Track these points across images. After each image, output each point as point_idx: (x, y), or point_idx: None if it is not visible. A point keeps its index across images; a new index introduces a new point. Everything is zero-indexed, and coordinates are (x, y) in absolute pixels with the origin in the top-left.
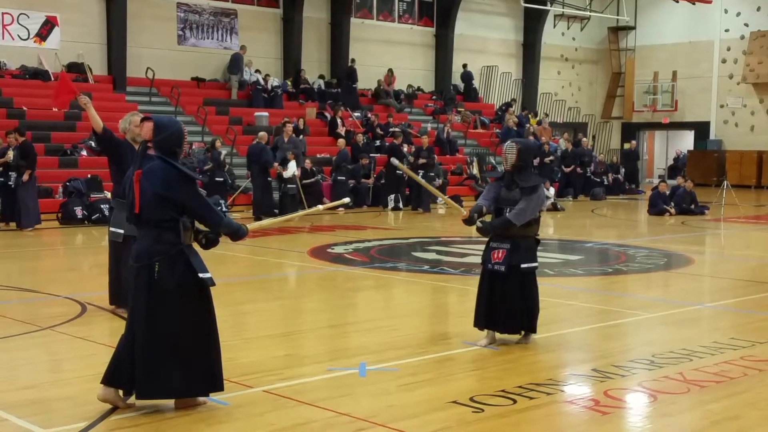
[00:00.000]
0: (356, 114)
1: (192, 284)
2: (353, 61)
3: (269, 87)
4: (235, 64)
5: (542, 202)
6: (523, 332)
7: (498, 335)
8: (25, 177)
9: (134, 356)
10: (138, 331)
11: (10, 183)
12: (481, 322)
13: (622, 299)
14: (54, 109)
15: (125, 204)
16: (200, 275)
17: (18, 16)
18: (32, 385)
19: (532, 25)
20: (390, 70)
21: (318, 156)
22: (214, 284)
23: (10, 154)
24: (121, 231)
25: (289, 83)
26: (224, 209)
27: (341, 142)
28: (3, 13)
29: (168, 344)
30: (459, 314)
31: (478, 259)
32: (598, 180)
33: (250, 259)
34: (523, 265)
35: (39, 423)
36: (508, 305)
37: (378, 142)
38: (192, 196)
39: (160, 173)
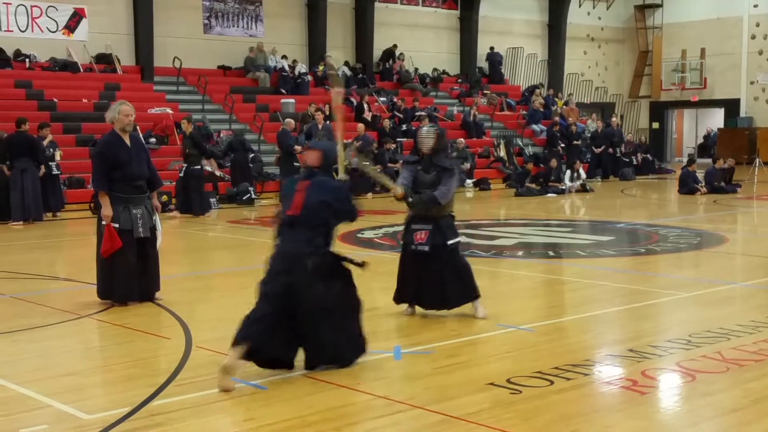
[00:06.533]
0: (382, 99)
1: (338, 266)
2: (395, 46)
3: (296, 74)
4: (252, 61)
5: (462, 182)
6: (472, 304)
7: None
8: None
9: (301, 332)
10: (306, 309)
11: (52, 172)
12: (407, 298)
13: (655, 279)
14: (84, 100)
15: (135, 198)
16: (343, 263)
17: (46, 9)
18: (73, 372)
19: (558, 5)
20: (401, 54)
21: (345, 141)
22: (362, 265)
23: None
24: (117, 225)
25: (319, 70)
26: (253, 196)
27: (361, 126)
28: (32, 6)
29: (332, 317)
30: (492, 297)
31: (509, 242)
32: (627, 160)
33: None
34: (449, 242)
35: (82, 408)
36: (442, 283)
37: (404, 127)
38: (350, 203)
39: (330, 185)
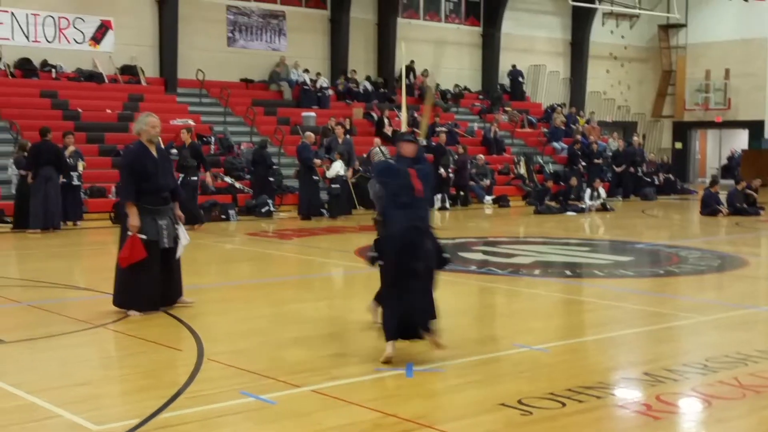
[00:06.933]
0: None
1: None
2: (412, 62)
3: (317, 87)
4: (276, 75)
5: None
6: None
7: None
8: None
9: (424, 302)
10: (428, 277)
11: (73, 183)
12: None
13: (674, 301)
14: (108, 111)
15: (160, 210)
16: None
17: (74, 21)
18: (85, 382)
19: (581, 23)
20: (425, 70)
21: (365, 155)
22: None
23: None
24: (145, 237)
25: (340, 84)
26: (271, 209)
27: (377, 141)
28: (59, 18)
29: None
30: (507, 315)
31: (526, 260)
32: (649, 180)
33: (297, 259)
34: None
35: (91, 419)
36: None
37: (424, 142)
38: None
39: (429, 169)
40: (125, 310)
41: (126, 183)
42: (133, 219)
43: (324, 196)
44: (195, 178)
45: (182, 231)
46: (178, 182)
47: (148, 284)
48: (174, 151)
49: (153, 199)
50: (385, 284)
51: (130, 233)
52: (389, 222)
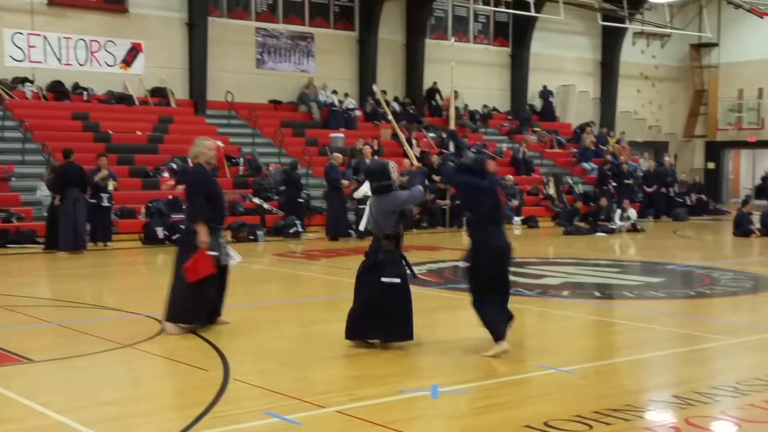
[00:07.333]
0: (431, 134)
1: None
2: (435, 83)
3: (344, 108)
4: (304, 96)
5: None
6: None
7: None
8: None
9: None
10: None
11: (103, 204)
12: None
13: (705, 323)
14: (138, 132)
15: (219, 229)
16: None
17: (105, 44)
18: (112, 402)
19: (611, 43)
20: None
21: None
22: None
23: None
24: (216, 253)
25: (369, 104)
26: (299, 230)
27: (406, 162)
28: (91, 41)
29: None
30: (534, 336)
31: (555, 281)
32: (681, 200)
33: (325, 279)
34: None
35: None
36: None
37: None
38: None
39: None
40: (178, 324)
41: (197, 203)
42: (205, 236)
43: (351, 216)
44: None
45: (231, 250)
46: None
47: (208, 300)
48: None
49: (217, 218)
50: (484, 290)
51: (204, 250)
52: (487, 236)
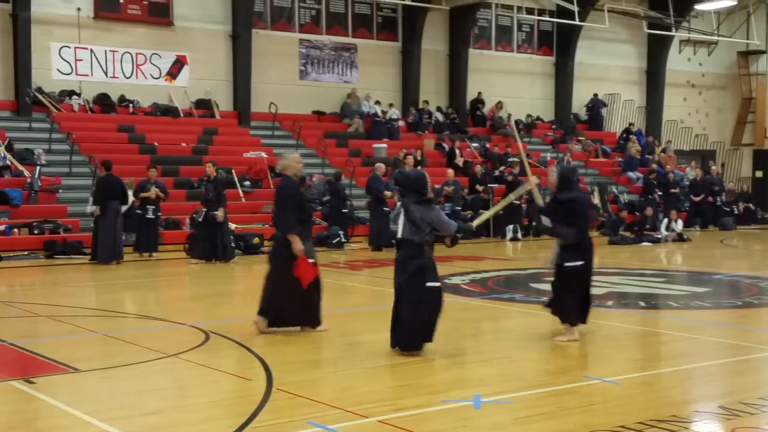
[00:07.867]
0: (474, 144)
1: None
2: (479, 93)
3: (387, 118)
4: (348, 106)
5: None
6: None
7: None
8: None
9: None
10: None
11: (148, 216)
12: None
13: (752, 333)
14: (183, 144)
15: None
16: None
17: (150, 56)
18: (157, 411)
19: (656, 51)
20: (500, 102)
21: (435, 187)
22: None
23: (153, 191)
24: (313, 260)
25: (411, 115)
26: (342, 240)
27: (450, 172)
28: (137, 54)
29: None
30: (578, 347)
31: (600, 291)
32: (728, 209)
33: (368, 290)
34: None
35: None
36: None
37: (496, 172)
38: None
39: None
40: (317, 326)
41: (289, 214)
42: (300, 245)
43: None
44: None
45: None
46: (202, 216)
47: (317, 301)
48: (247, 183)
49: (306, 227)
50: (575, 281)
51: (305, 258)
52: (584, 238)
